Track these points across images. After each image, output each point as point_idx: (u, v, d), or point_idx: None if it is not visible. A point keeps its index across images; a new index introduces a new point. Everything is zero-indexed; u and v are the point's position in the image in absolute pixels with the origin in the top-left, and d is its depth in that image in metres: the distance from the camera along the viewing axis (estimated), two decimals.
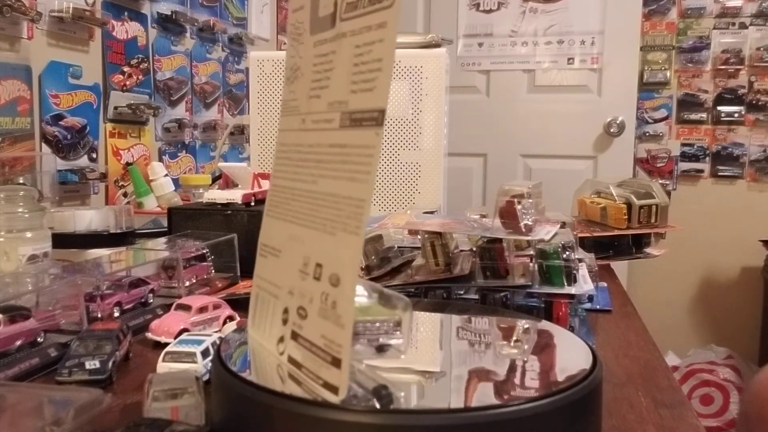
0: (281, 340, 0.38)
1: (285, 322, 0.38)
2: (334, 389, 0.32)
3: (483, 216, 0.72)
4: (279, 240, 0.41)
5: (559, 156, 2.37)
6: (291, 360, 0.36)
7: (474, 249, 0.64)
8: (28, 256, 0.71)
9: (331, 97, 0.36)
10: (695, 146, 2.50)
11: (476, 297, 0.63)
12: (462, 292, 0.65)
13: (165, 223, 0.92)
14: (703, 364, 2.32)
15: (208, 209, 0.87)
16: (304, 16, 0.40)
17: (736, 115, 2.44)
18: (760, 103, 2.42)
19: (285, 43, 2.22)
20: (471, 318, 0.51)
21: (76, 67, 1.24)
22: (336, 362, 0.32)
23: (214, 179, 1.25)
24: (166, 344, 0.50)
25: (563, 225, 0.70)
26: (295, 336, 0.36)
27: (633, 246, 0.94)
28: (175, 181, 1.28)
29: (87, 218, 0.91)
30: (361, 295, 0.39)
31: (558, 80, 2.35)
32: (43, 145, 1.16)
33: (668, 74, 2.49)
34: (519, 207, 0.62)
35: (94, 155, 1.29)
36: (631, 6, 2.26)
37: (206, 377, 0.45)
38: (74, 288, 0.58)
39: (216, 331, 0.59)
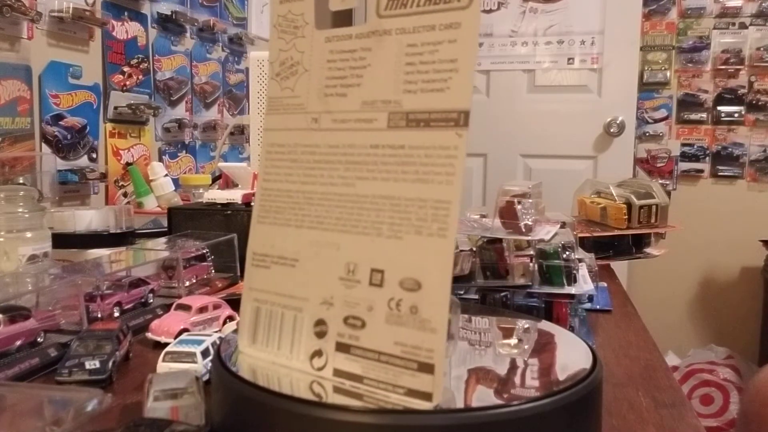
0: (317, 354, 0.35)
1: (322, 334, 0.35)
2: (425, 396, 0.31)
3: (483, 216, 0.72)
4: (292, 248, 0.38)
5: (559, 156, 2.37)
6: (340, 373, 0.34)
7: (474, 249, 0.64)
8: (28, 256, 0.71)
9: (367, 96, 0.35)
10: (695, 146, 2.50)
11: (476, 297, 0.63)
12: (462, 292, 0.65)
13: (165, 223, 0.92)
14: (703, 364, 2.32)
15: (208, 209, 0.87)
16: (302, 8, 0.38)
17: (736, 115, 2.44)
18: (760, 103, 2.42)
19: None
20: (471, 318, 0.51)
21: (76, 67, 1.24)
22: (426, 368, 0.31)
23: (214, 179, 1.25)
24: (166, 344, 0.50)
25: (563, 225, 0.70)
26: (344, 348, 0.34)
27: (633, 246, 0.94)
28: (175, 181, 1.28)
29: (87, 218, 0.91)
30: None
31: (558, 80, 2.35)
32: (43, 145, 1.16)
33: (668, 74, 2.49)
34: (519, 207, 0.62)
35: (94, 155, 1.29)
36: (631, 6, 2.26)
37: (206, 377, 0.45)
38: (74, 288, 0.58)
39: (216, 331, 0.59)
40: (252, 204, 0.89)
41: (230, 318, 0.62)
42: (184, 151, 1.63)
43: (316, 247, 0.36)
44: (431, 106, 0.33)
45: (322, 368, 0.35)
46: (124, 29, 1.38)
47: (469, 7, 0.32)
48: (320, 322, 0.36)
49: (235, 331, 0.46)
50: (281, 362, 0.37)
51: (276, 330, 0.38)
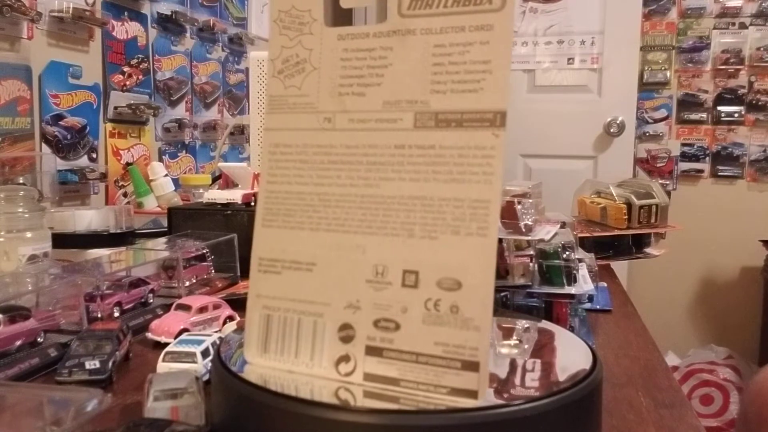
0: (343, 360, 0.35)
1: (348, 339, 0.35)
2: (470, 393, 0.32)
3: None
4: (307, 252, 0.36)
5: (559, 156, 2.37)
6: (372, 377, 0.34)
7: None
8: (28, 256, 0.71)
9: (389, 96, 0.35)
10: (695, 146, 2.50)
11: None
12: None
13: (165, 223, 0.92)
14: (703, 364, 2.32)
15: (208, 209, 0.87)
16: (309, 4, 0.37)
17: (736, 115, 2.44)
18: (760, 103, 2.42)
19: None
20: None
21: (76, 67, 1.24)
22: (471, 366, 0.32)
23: (214, 179, 1.25)
24: (166, 344, 0.50)
25: (563, 225, 0.70)
26: (376, 351, 0.34)
27: (633, 246, 0.94)
28: (175, 181, 1.28)
29: (87, 218, 0.91)
30: None
31: (558, 80, 2.35)
32: (43, 145, 1.16)
33: (668, 74, 2.49)
34: (519, 207, 0.62)
35: (94, 155, 1.29)
36: (631, 6, 2.26)
37: (206, 377, 0.45)
38: (74, 288, 0.58)
39: (216, 331, 0.59)
40: (252, 204, 0.89)
41: (230, 318, 0.62)
42: (184, 151, 1.63)
43: (337, 250, 0.35)
44: (463, 107, 0.33)
45: (350, 373, 0.34)
46: (124, 29, 1.38)
47: (503, 9, 0.32)
48: (346, 327, 0.35)
49: (236, 331, 0.46)
50: (300, 370, 0.36)
51: (292, 338, 0.36)
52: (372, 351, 0.34)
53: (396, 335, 0.33)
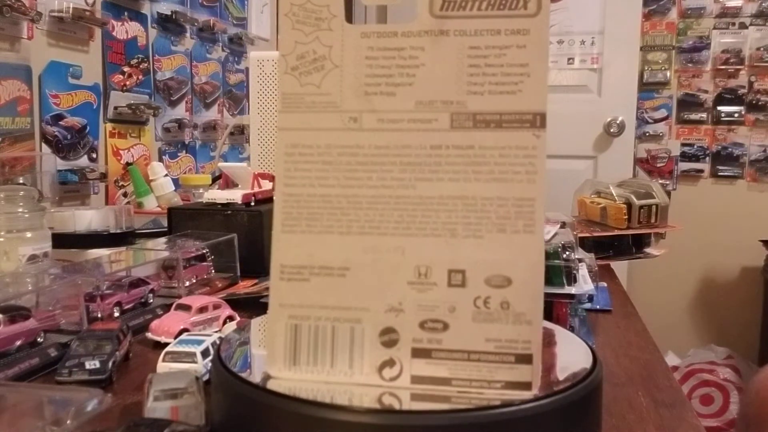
0: (387, 364, 0.34)
1: (392, 343, 0.34)
2: (524, 386, 0.33)
3: None
4: (339, 256, 0.35)
5: (559, 156, 2.37)
6: (420, 379, 0.34)
7: None
8: (28, 256, 0.71)
9: (422, 96, 0.35)
10: (695, 146, 2.50)
11: None
12: None
13: (165, 223, 0.92)
14: (703, 364, 2.32)
15: (208, 209, 0.87)
16: None
17: (736, 115, 2.44)
18: (760, 103, 2.42)
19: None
20: None
21: (76, 67, 1.24)
22: (524, 359, 0.33)
23: (214, 179, 1.25)
24: (166, 344, 0.50)
25: (563, 225, 0.70)
26: (423, 353, 0.34)
27: (633, 246, 0.94)
28: (175, 181, 1.28)
29: (87, 218, 0.91)
30: None
31: (558, 80, 2.35)
32: (43, 145, 1.16)
33: (668, 74, 2.49)
34: None
35: (94, 155, 1.29)
36: (631, 6, 2.26)
37: (206, 377, 0.45)
38: (74, 288, 0.58)
39: (216, 331, 0.59)
40: (252, 204, 0.89)
41: (230, 318, 0.62)
42: (184, 151, 1.63)
43: (373, 252, 0.35)
44: (502, 108, 0.34)
45: (395, 378, 0.34)
46: (124, 29, 1.38)
47: (538, 15, 0.33)
48: (388, 331, 0.34)
49: (236, 331, 0.46)
50: (338, 380, 0.35)
51: (326, 347, 0.35)
52: (419, 353, 0.34)
53: (444, 335, 0.34)
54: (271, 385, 0.34)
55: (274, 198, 0.37)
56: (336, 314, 0.35)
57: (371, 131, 0.35)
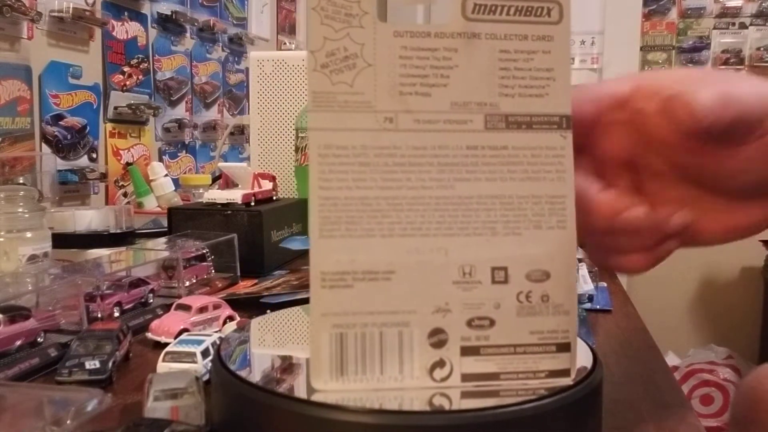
0: (438, 365, 0.34)
1: (441, 344, 0.34)
2: (564, 373, 0.35)
3: None
4: (383, 260, 0.35)
5: None
6: (470, 377, 0.34)
7: None
8: (28, 256, 0.71)
9: (457, 97, 0.35)
10: None
11: None
12: None
13: (165, 223, 0.92)
14: (703, 364, 2.32)
15: (208, 209, 0.87)
16: None
17: None
18: None
19: (285, 43, 2.22)
20: None
21: (76, 67, 1.24)
22: (564, 347, 0.35)
23: (214, 179, 1.25)
24: (166, 344, 0.50)
25: None
26: (472, 351, 0.35)
27: None
28: (175, 181, 1.28)
29: (87, 218, 0.91)
30: None
31: None
32: (43, 145, 1.16)
33: None
34: None
35: (94, 155, 1.29)
36: (631, 6, 2.27)
37: (206, 377, 0.45)
38: (74, 288, 0.58)
39: (216, 331, 0.59)
40: (252, 204, 0.89)
41: (230, 318, 0.62)
42: (184, 151, 1.63)
43: (417, 254, 0.35)
44: (531, 110, 0.35)
45: (446, 378, 0.34)
46: (124, 29, 1.38)
47: (561, 23, 0.35)
48: (437, 332, 0.35)
49: (236, 331, 0.46)
50: (388, 386, 0.34)
51: (375, 353, 0.34)
52: (468, 351, 0.35)
53: (491, 332, 0.35)
54: (317, 398, 0.33)
55: (309, 203, 0.35)
56: (383, 319, 0.34)
57: (408, 132, 0.35)
